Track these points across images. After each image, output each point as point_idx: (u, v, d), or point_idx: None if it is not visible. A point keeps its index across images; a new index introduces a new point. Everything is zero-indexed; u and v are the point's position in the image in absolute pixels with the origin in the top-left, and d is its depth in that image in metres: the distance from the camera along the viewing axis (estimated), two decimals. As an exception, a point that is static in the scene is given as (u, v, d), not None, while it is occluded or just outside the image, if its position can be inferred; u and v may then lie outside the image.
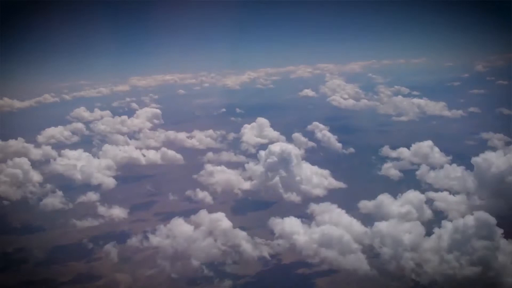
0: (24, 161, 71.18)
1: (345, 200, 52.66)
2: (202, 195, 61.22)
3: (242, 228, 47.77)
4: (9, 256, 47.11)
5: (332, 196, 57.06)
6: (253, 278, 41.33)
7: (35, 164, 76.72)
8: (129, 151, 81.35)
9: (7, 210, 60.93)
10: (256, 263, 44.05)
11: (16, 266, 45.65)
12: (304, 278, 40.78)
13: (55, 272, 44.30)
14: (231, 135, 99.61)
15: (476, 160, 50.74)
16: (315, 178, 61.71)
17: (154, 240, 47.70)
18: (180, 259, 43.39)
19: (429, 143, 69.78)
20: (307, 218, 48.87)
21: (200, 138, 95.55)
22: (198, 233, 45.95)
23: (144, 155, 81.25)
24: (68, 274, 43.67)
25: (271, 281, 40.94)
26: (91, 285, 41.94)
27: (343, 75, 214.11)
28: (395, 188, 56.99)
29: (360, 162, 74.36)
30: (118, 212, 56.66)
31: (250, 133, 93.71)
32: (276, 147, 63.09)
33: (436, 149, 69.39)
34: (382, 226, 40.71)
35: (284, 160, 61.32)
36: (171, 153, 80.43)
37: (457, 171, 56.84)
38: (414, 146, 71.07)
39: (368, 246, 41.82)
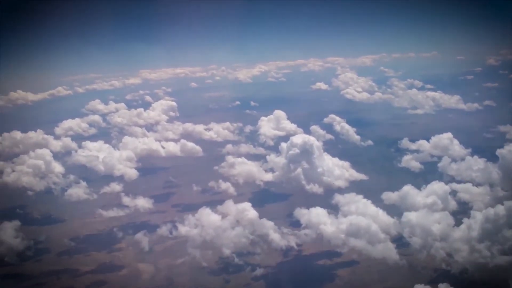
0: (46, 152, 71.88)
1: (368, 191, 52.97)
2: (225, 186, 61.65)
3: (268, 219, 48.62)
4: (33, 246, 47.78)
5: (354, 187, 57.13)
6: (275, 268, 41.79)
7: (56, 156, 77.52)
8: (149, 143, 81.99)
9: (31, 200, 61.73)
10: (278, 253, 44.67)
11: (40, 256, 46.36)
12: (326, 269, 41.29)
13: (78, 261, 44.93)
14: (248, 128, 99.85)
15: (501, 152, 51.03)
16: (336, 169, 62.05)
17: (177, 230, 48.41)
18: (204, 249, 43.93)
19: (448, 135, 69.78)
20: (332, 209, 49.36)
21: (217, 131, 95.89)
22: (225, 222, 46.61)
23: (163, 147, 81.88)
24: (91, 264, 44.30)
25: (293, 271, 41.49)
26: (113, 275, 42.54)
27: (354, 69, 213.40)
28: (417, 179, 57.37)
29: (380, 154, 74.43)
30: (142, 203, 57.29)
31: (267, 125, 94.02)
32: (298, 139, 63.42)
33: (456, 141, 69.38)
34: (411, 216, 41.22)
35: (306, 152, 61.68)
36: (190, 145, 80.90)
37: (479, 163, 57.02)
38: (433, 139, 70.96)
39: (396, 236, 42.37)
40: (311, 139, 64.94)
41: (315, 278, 40.19)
